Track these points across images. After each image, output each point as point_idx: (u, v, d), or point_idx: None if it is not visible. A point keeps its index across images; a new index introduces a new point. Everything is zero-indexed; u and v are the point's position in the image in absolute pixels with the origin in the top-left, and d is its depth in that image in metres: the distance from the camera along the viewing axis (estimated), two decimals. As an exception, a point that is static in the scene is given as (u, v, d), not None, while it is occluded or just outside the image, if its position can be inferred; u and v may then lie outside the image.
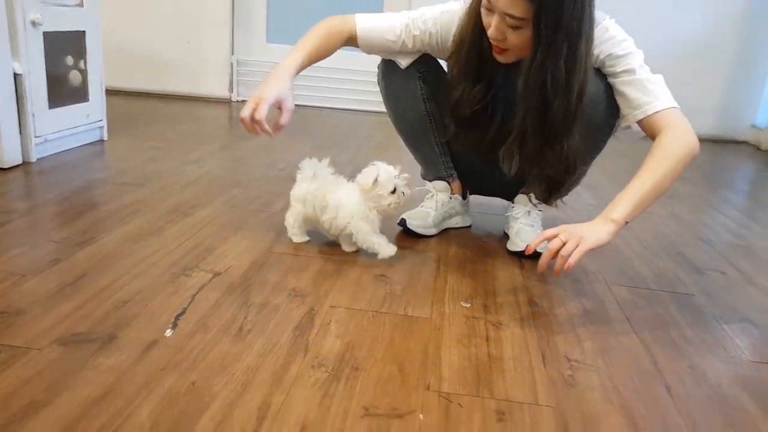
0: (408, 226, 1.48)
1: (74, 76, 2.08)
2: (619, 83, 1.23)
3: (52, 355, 0.88)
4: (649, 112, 1.19)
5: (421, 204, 1.54)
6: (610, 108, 1.27)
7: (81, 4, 2.06)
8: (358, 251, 1.34)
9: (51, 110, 1.93)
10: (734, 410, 0.90)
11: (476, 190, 1.63)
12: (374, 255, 1.31)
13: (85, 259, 1.22)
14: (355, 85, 3.36)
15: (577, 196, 1.82)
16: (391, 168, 1.27)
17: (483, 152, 1.38)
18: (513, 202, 1.53)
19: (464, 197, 1.59)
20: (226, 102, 3.41)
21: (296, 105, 1.28)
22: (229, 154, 2.24)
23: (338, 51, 1.36)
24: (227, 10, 3.29)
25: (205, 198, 1.66)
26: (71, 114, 2.05)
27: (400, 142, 1.57)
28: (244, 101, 3.40)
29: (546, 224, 1.47)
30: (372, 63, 1.50)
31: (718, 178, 2.58)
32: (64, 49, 2.00)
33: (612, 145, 1.39)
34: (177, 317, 1.02)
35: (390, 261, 1.31)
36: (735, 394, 0.94)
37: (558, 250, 1.06)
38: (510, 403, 0.86)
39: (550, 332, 1.08)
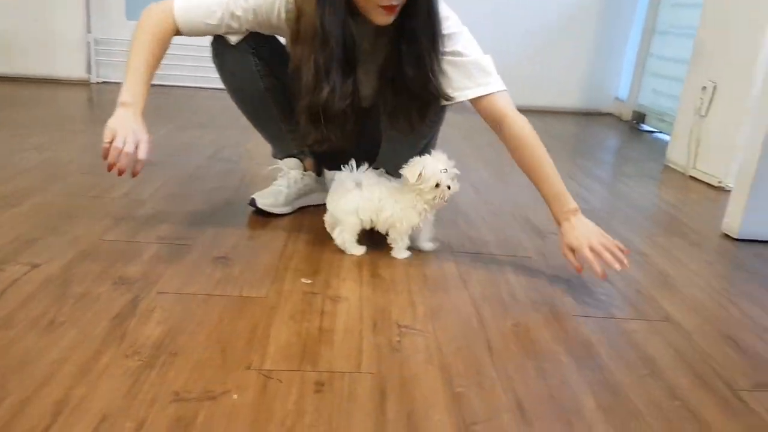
0: (258, 205, 1.44)
1: None
2: (444, 62, 1.24)
3: None
4: (479, 94, 1.23)
5: (273, 182, 1.51)
6: None
7: None
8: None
9: None
10: (548, 361, 0.95)
11: (333, 166, 1.61)
12: (218, 237, 1.27)
13: None
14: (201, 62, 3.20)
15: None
16: (438, 163, 1.23)
17: (348, 138, 1.29)
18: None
19: (319, 174, 1.57)
20: (86, 84, 3.19)
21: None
22: (83, 138, 2.09)
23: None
24: (77, -16, 3.06)
25: (40, 186, 1.54)
26: None
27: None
28: (105, 83, 3.20)
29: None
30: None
31: (582, 148, 2.74)
32: None
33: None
34: (-22, 315, 0.93)
35: (234, 243, 1.28)
36: (552, 348, 0.99)
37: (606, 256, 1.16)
38: (332, 374, 0.87)
39: (387, 302, 1.10)
